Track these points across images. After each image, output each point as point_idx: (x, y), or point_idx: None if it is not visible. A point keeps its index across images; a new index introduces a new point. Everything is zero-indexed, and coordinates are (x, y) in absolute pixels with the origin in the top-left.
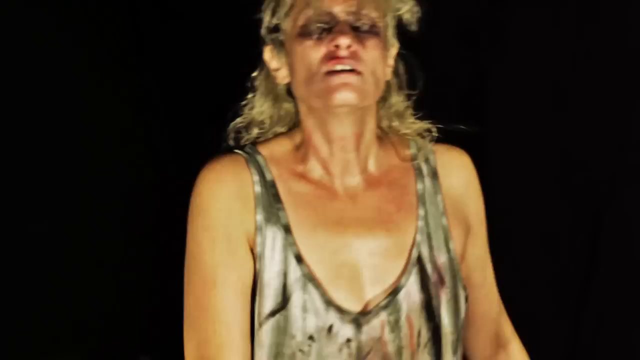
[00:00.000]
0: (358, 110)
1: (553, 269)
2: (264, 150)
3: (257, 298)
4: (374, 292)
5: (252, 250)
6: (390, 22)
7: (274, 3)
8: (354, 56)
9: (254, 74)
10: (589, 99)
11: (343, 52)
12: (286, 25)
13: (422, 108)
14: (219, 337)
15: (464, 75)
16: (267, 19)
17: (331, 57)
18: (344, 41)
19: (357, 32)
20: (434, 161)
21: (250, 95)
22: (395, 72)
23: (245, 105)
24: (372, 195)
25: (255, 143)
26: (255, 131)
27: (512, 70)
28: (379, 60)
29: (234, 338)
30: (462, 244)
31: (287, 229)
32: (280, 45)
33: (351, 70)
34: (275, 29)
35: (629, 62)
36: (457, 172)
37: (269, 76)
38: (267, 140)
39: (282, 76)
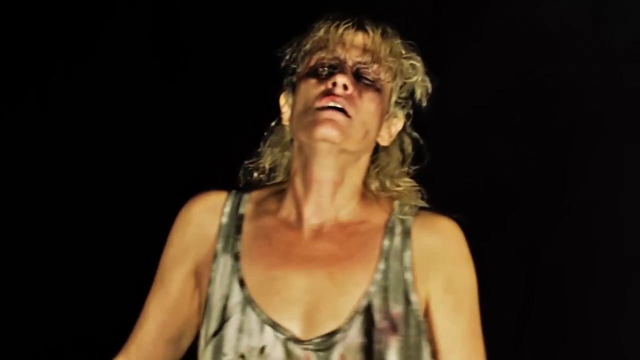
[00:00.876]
0: (340, 155)
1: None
2: (256, 192)
3: (205, 320)
4: (308, 327)
5: (201, 276)
6: (397, 90)
7: (294, 47)
8: (348, 98)
9: (273, 124)
10: (527, 130)
11: (338, 91)
12: (300, 68)
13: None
14: (132, 331)
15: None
16: (286, 64)
17: (327, 94)
18: (340, 80)
19: (360, 82)
20: (410, 222)
21: (263, 143)
22: (400, 148)
23: (258, 151)
24: (329, 239)
25: (257, 185)
26: (262, 176)
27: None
28: (373, 114)
29: (134, 338)
30: (427, 303)
31: (236, 257)
32: (292, 88)
33: (341, 110)
34: (292, 72)
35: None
36: (432, 236)
37: (280, 126)
38: (268, 186)
39: (287, 117)
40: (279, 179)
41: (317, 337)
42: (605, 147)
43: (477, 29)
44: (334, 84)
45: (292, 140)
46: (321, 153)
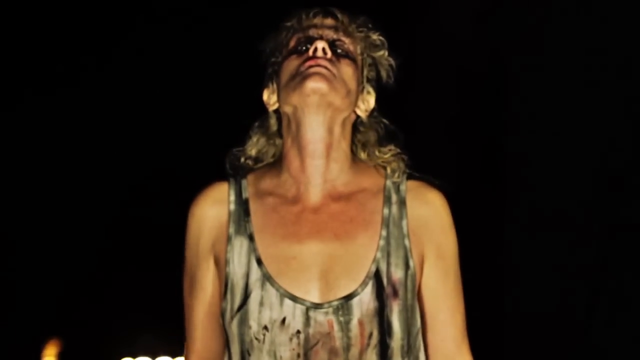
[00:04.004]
0: (327, 109)
1: None
2: (251, 175)
3: (229, 296)
4: (325, 289)
5: (219, 260)
6: (367, 64)
7: (272, 41)
8: (328, 61)
9: (258, 121)
10: None
11: (319, 54)
12: (280, 57)
13: None
14: (190, 335)
15: None
16: (265, 57)
17: (308, 59)
18: (320, 44)
19: (335, 52)
20: (404, 192)
21: (250, 132)
22: (375, 129)
23: (246, 139)
24: (332, 206)
25: (249, 170)
26: (249, 162)
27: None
28: (351, 76)
29: (196, 338)
30: (420, 267)
31: (251, 238)
32: (275, 76)
33: (325, 68)
34: (272, 64)
35: None
36: (423, 206)
37: (266, 119)
38: (259, 168)
39: (273, 102)
40: (269, 161)
41: (336, 300)
42: None
43: None
44: (315, 50)
45: (279, 129)
46: (312, 107)
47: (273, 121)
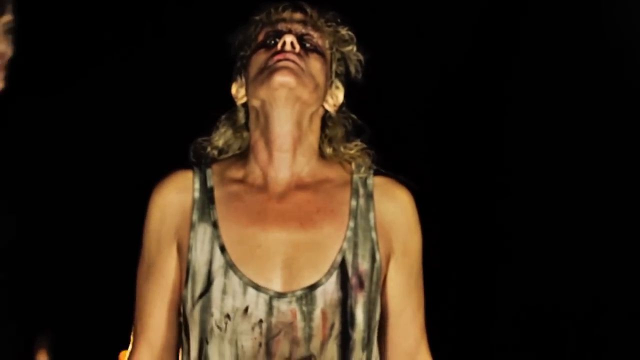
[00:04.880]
0: (296, 104)
1: None
2: (216, 165)
3: (190, 284)
4: (289, 279)
5: (182, 247)
6: (335, 59)
7: (241, 35)
8: (297, 55)
9: (226, 113)
10: None
11: (287, 48)
12: (249, 51)
13: None
14: (141, 323)
15: None
16: (235, 50)
17: (277, 53)
18: (288, 39)
19: (304, 46)
20: (371, 186)
21: (217, 124)
22: (343, 124)
23: (213, 130)
24: (299, 196)
25: (214, 160)
26: (214, 152)
27: None
28: (320, 70)
29: (148, 325)
30: (385, 261)
31: (215, 225)
32: (243, 70)
33: (293, 62)
34: (241, 58)
35: None
36: (391, 202)
37: (234, 112)
38: (224, 159)
39: (241, 95)
40: (227, 157)
41: (299, 290)
42: None
43: None
44: (283, 44)
45: (246, 123)
46: (280, 101)
47: (241, 114)
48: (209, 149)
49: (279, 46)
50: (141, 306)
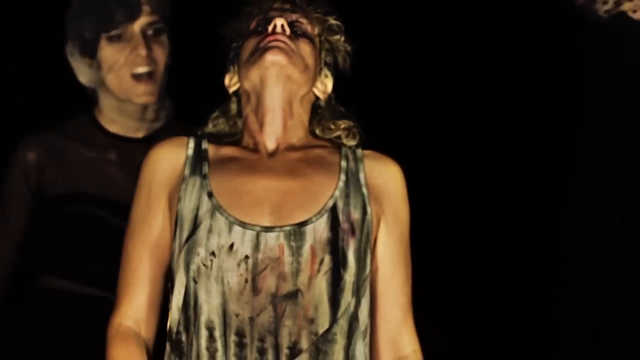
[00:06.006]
0: (287, 82)
1: None
2: (211, 136)
3: (177, 231)
4: (278, 219)
5: (172, 202)
6: (324, 47)
7: (232, 30)
8: (287, 36)
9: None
10: None
11: (278, 30)
12: (242, 42)
13: None
14: (124, 280)
15: None
16: (228, 44)
17: (268, 35)
18: (279, 21)
19: (294, 32)
20: (360, 155)
21: (211, 114)
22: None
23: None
24: (288, 155)
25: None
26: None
27: None
28: (310, 53)
29: (133, 281)
30: (377, 221)
31: (204, 176)
32: (236, 60)
33: (283, 43)
34: (234, 49)
35: None
36: (381, 167)
37: (227, 104)
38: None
39: (234, 83)
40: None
41: (288, 225)
42: None
43: None
44: (274, 27)
45: (238, 112)
46: (271, 79)
47: (234, 105)
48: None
49: (270, 29)
50: (126, 263)
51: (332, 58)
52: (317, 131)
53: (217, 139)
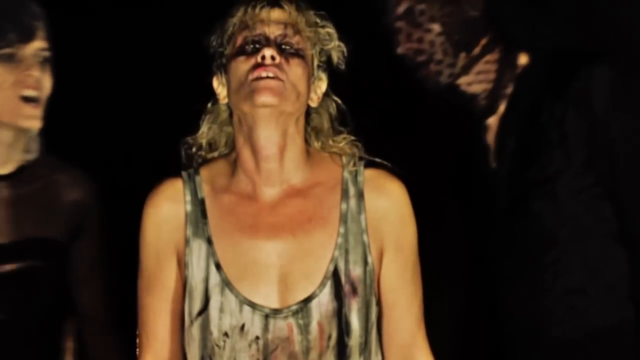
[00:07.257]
0: (280, 117)
1: None
2: (204, 170)
3: (187, 300)
4: (285, 292)
5: (180, 261)
6: (317, 56)
7: (219, 32)
8: (277, 66)
9: (209, 104)
10: None
11: (267, 61)
12: (228, 50)
13: None
14: (145, 334)
15: None
16: (213, 48)
17: (257, 66)
18: (268, 52)
19: (284, 52)
20: (362, 184)
21: (201, 121)
22: (327, 110)
23: (197, 129)
24: (289, 205)
25: (202, 162)
26: (201, 152)
27: None
28: (301, 77)
29: (154, 336)
30: (378, 260)
31: (209, 241)
32: (223, 69)
33: (274, 78)
34: (220, 55)
35: None
36: (382, 198)
37: (217, 105)
38: (212, 159)
39: (223, 96)
40: (216, 153)
41: (294, 304)
42: None
43: None
44: (263, 57)
45: (230, 117)
46: (263, 118)
47: (224, 112)
48: (195, 149)
49: (259, 59)
50: (145, 318)
51: (326, 57)
52: (316, 145)
53: (211, 174)
